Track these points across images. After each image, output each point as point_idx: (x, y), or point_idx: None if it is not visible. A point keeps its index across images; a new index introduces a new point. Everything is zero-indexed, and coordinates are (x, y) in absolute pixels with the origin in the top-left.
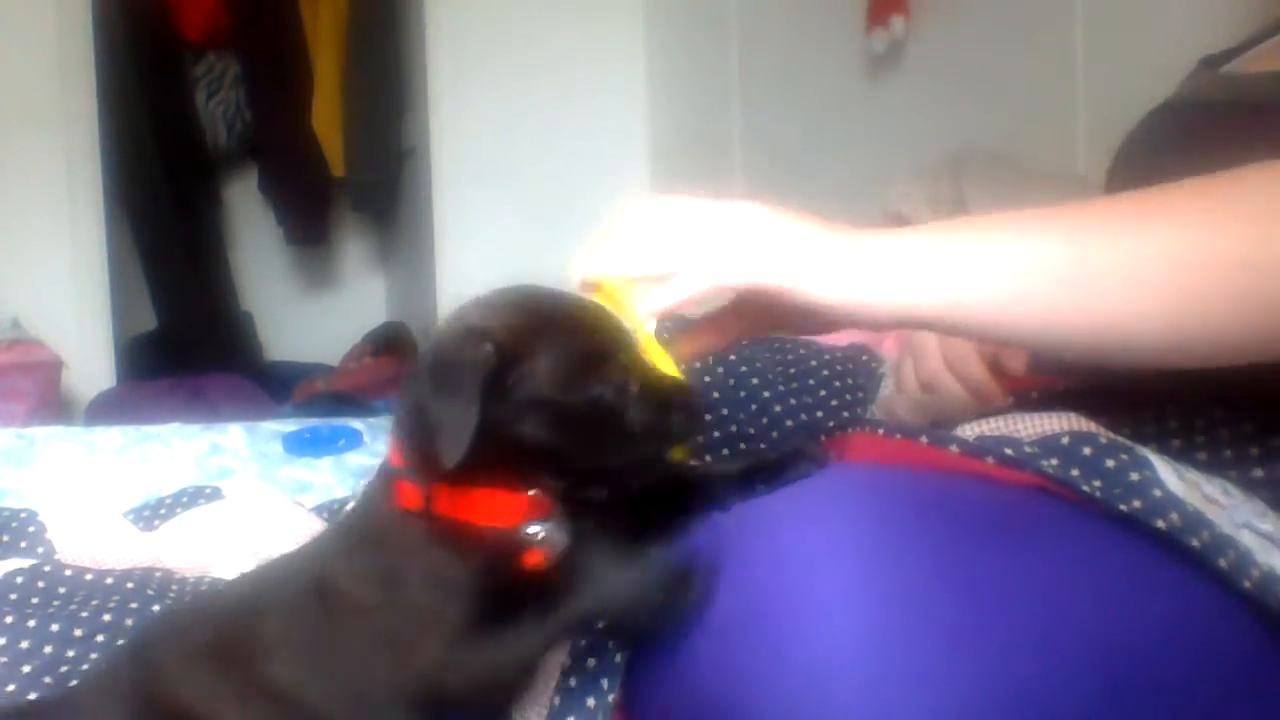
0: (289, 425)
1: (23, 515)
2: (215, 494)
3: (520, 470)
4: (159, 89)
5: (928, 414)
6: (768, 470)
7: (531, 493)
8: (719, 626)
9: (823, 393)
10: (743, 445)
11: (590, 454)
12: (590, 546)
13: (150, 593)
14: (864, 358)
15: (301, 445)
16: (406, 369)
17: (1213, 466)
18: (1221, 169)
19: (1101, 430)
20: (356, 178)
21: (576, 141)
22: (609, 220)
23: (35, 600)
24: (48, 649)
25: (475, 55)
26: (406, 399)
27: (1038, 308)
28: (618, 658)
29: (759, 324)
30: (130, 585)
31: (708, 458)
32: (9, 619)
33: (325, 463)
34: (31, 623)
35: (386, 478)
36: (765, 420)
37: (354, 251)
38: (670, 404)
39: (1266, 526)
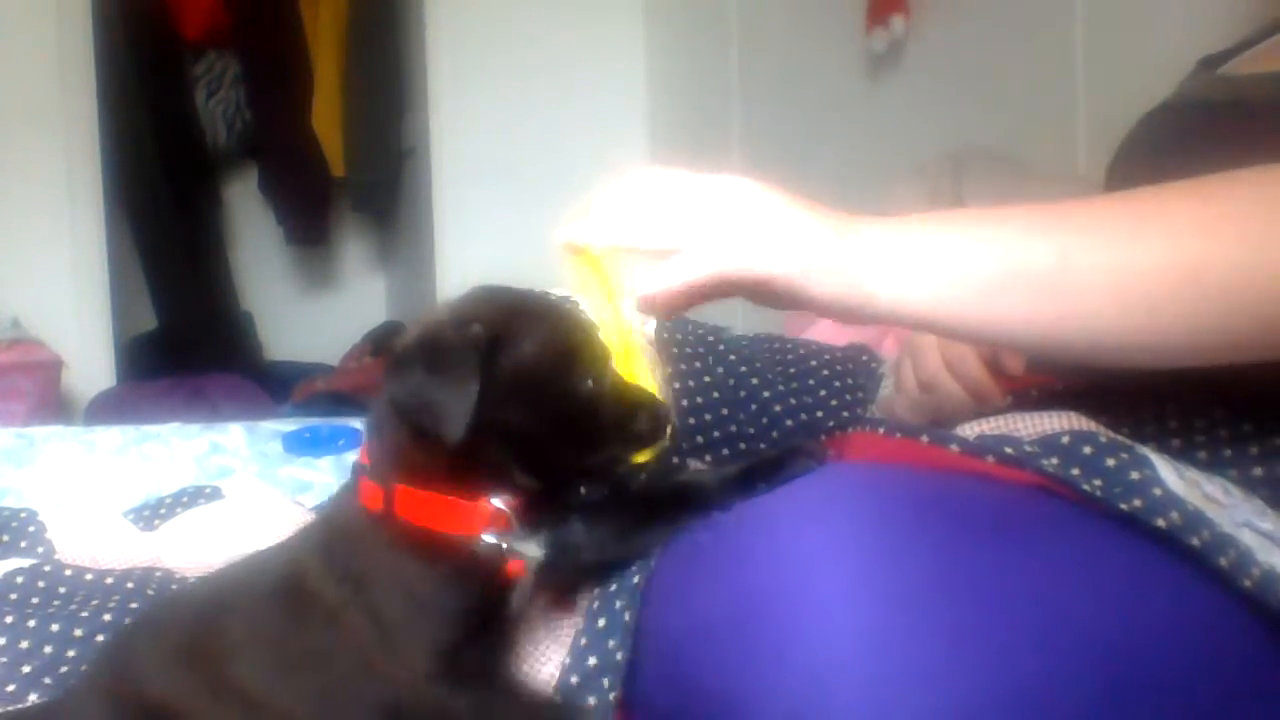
0: (289, 425)
1: (23, 515)
2: (215, 494)
3: (489, 471)
4: (159, 89)
5: (927, 414)
6: (766, 468)
7: (494, 502)
8: (719, 625)
9: (823, 393)
10: (743, 445)
11: (562, 447)
12: (579, 551)
13: (150, 593)
14: (864, 358)
15: (301, 445)
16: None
17: (1212, 465)
18: (1220, 169)
19: (1101, 429)
20: (356, 178)
21: (576, 141)
22: (601, 187)
23: (35, 600)
24: (48, 649)
25: (475, 55)
26: (388, 391)
27: (1022, 310)
28: (619, 656)
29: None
30: (130, 585)
31: (708, 457)
32: (9, 619)
33: (325, 462)
34: (31, 622)
35: (355, 475)
36: (765, 420)
37: (354, 251)
38: (639, 405)
39: (1266, 525)
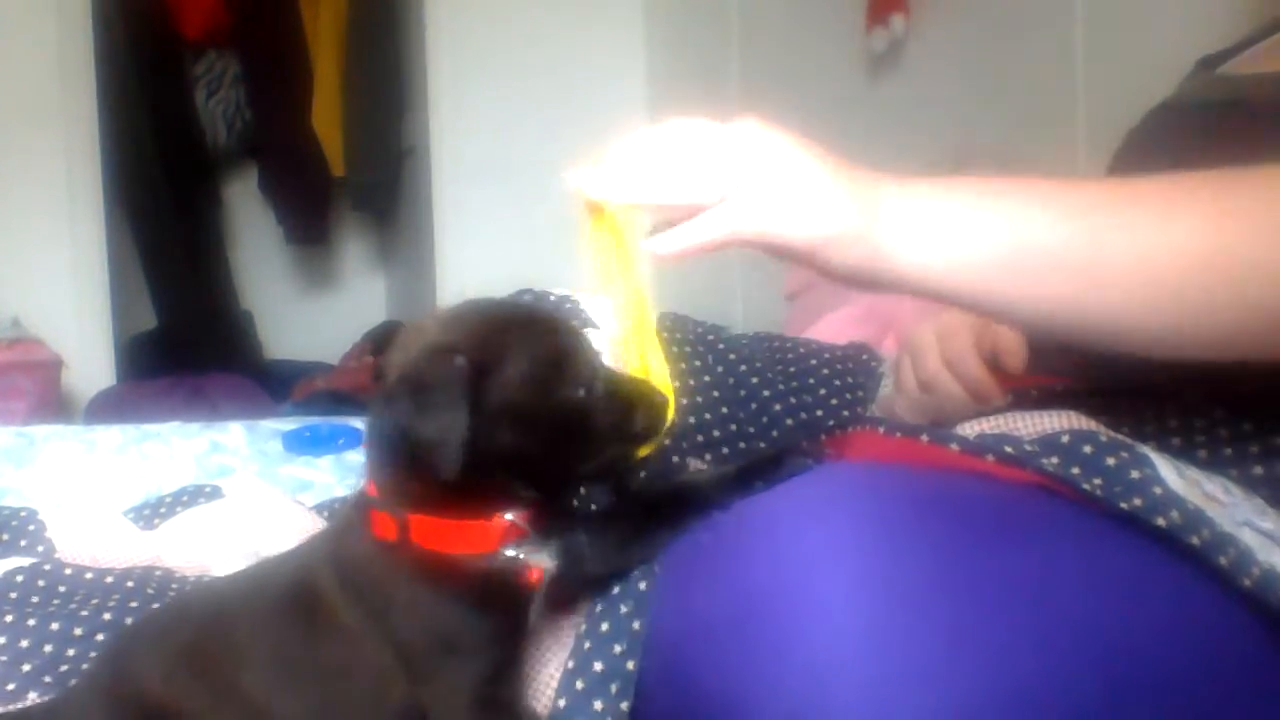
0: (289, 424)
1: (23, 514)
2: (215, 493)
3: (492, 490)
4: (159, 88)
5: (927, 413)
6: (763, 468)
7: (508, 517)
8: (719, 625)
9: (823, 392)
10: (743, 445)
11: (561, 458)
12: (583, 561)
13: (150, 591)
14: (864, 357)
15: (301, 444)
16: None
17: (1213, 464)
18: (1219, 170)
19: (1101, 428)
20: (356, 177)
21: (576, 141)
22: (619, 140)
23: (35, 599)
24: (48, 648)
25: (475, 55)
26: (380, 427)
27: (1049, 289)
28: (629, 665)
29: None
30: (130, 584)
31: (708, 457)
32: (9, 618)
33: (325, 461)
34: (31, 621)
35: (363, 508)
36: (765, 419)
37: (354, 251)
38: (634, 403)
39: (1267, 524)
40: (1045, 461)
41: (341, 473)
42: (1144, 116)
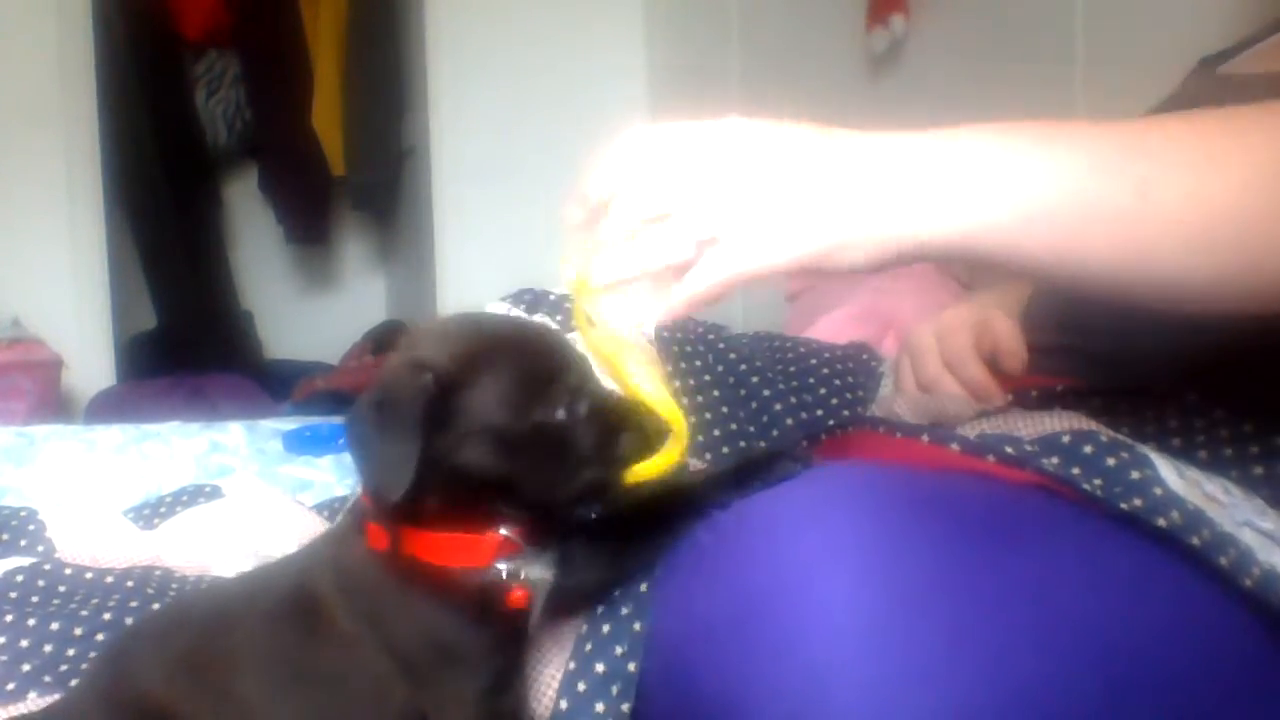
0: (289, 424)
1: (23, 514)
2: (215, 492)
3: (479, 506)
4: (159, 88)
5: (927, 413)
6: (754, 470)
7: (502, 531)
8: (719, 626)
9: (823, 391)
10: (743, 444)
11: (538, 482)
12: (579, 573)
13: (150, 591)
14: (864, 357)
15: (301, 443)
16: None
17: (1213, 464)
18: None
19: (1102, 429)
20: (356, 177)
21: (576, 142)
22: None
23: (35, 599)
24: (48, 648)
25: (475, 55)
26: (353, 438)
27: (1098, 248)
28: (630, 667)
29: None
30: (130, 584)
31: (708, 456)
32: (9, 617)
33: (325, 461)
34: (31, 621)
35: (358, 517)
36: (765, 420)
37: (354, 251)
38: (620, 426)
39: (1267, 524)
40: (1046, 462)
41: (341, 473)
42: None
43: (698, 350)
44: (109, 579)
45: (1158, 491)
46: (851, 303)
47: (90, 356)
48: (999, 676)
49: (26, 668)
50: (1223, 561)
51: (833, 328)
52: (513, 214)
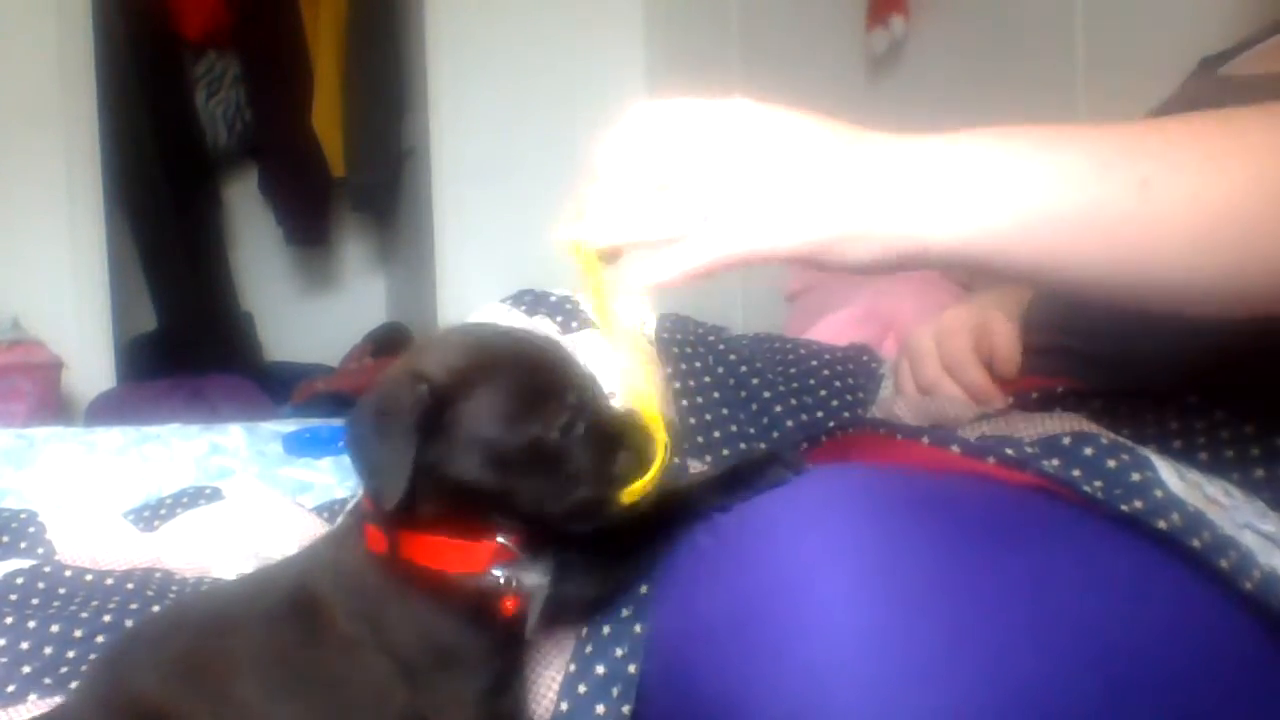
0: (289, 426)
1: (23, 516)
2: (215, 494)
3: (474, 514)
4: (159, 89)
5: (927, 415)
6: (743, 475)
7: (499, 539)
8: (719, 627)
9: (823, 393)
10: (743, 445)
11: (530, 496)
12: (571, 581)
13: (150, 593)
14: (864, 358)
15: (301, 446)
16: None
17: (1214, 467)
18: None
19: (1103, 431)
20: (356, 178)
21: (576, 142)
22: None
23: (35, 601)
24: (48, 650)
25: (475, 55)
26: (352, 443)
27: (1098, 251)
28: (630, 668)
29: None
30: (130, 586)
31: (708, 457)
32: (9, 619)
33: (325, 463)
34: (32, 623)
35: (359, 519)
36: (766, 421)
37: (354, 251)
38: (618, 445)
39: (1268, 527)
40: (1046, 463)
41: (341, 475)
42: (1145, 117)
43: (698, 351)
44: (109, 581)
45: (1158, 494)
46: (852, 304)
47: (90, 358)
48: (999, 677)
49: (26, 670)
50: (1223, 564)
51: (833, 329)
52: (513, 214)
